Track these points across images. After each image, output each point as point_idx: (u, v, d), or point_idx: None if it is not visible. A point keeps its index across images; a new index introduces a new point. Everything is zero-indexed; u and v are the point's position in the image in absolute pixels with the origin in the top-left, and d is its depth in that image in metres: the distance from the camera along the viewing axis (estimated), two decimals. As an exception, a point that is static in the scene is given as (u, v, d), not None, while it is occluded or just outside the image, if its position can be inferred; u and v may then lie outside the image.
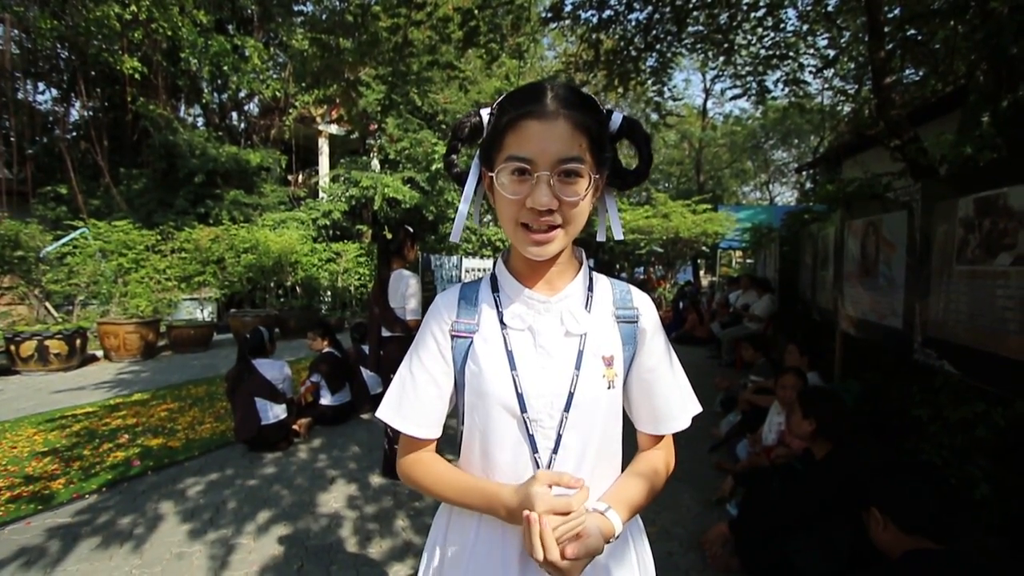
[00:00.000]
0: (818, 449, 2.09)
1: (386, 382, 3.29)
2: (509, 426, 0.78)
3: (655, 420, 0.85)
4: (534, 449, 0.77)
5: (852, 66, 7.31)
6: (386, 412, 0.84)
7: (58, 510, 2.84)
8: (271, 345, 4.09)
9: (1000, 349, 1.99)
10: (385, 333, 3.16)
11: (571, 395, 0.76)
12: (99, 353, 7.14)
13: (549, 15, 5.44)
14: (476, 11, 5.02)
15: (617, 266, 15.83)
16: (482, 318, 0.82)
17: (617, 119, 0.77)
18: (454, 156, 0.84)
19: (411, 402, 0.82)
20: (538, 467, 0.77)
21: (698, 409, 0.88)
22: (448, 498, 0.82)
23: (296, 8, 11.47)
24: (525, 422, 0.77)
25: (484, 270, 16.12)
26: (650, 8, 5.23)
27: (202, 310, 8.86)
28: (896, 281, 2.94)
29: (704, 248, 14.20)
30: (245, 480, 3.22)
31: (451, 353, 0.82)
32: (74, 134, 11.34)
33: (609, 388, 0.79)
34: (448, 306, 0.84)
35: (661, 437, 0.88)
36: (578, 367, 0.77)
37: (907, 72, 6.09)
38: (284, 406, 3.77)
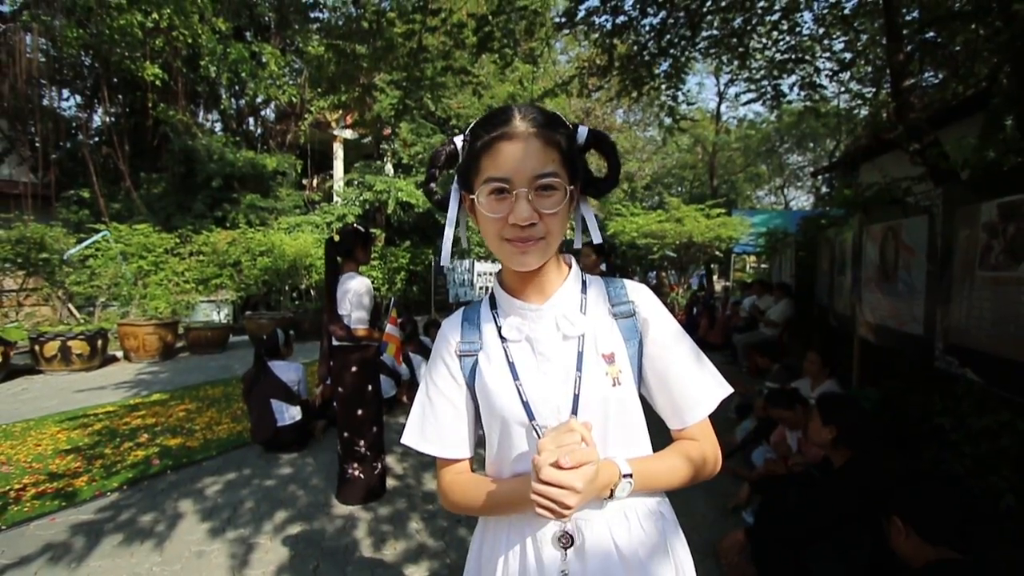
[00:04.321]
0: (837, 457, 2.07)
1: (335, 394, 3.02)
2: (520, 437, 0.80)
3: (677, 410, 0.83)
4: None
5: (869, 69, 7.22)
6: (411, 438, 0.87)
7: (81, 507, 2.91)
8: (286, 348, 4.15)
9: (1025, 357, 1.95)
10: (335, 342, 2.92)
11: (576, 397, 0.77)
12: (119, 354, 7.28)
13: (563, 20, 5.46)
14: (490, 17, 5.06)
15: (630, 270, 15.77)
16: (484, 336, 0.85)
17: (583, 132, 0.81)
18: (432, 184, 0.87)
19: (432, 425, 0.85)
20: None
21: (726, 391, 0.83)
22: (484, 507, 0.82)
23: (312, 15, 11.66)
24: (535, 430, 0.78)
25: (496, 274, 16.15)
26: (664, 13, 5.23)
27: (219, 312, 9.00)
28: (916, 287, 2.90)
29: (718, 253, 14.09)
30: (262, 480, 3.26)
31: (461, 373, 0.85)
32: (96, 139, 11.61)
33: (615, 385, 0.79)
34: (452, 329, 0.88)
35: (692, 428, 0.84)
36: (579, 368, 0.78)
37: (926, 75, 6.00)
38: (299, 408, 3.82)
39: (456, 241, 0.85)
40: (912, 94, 3.92)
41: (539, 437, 0.77)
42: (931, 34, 4.63)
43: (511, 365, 0.80)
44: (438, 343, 0.89)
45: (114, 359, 7.20)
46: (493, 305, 0.88)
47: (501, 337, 0.83)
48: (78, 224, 9.38)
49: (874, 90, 7.22)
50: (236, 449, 3.82)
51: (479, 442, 0.90)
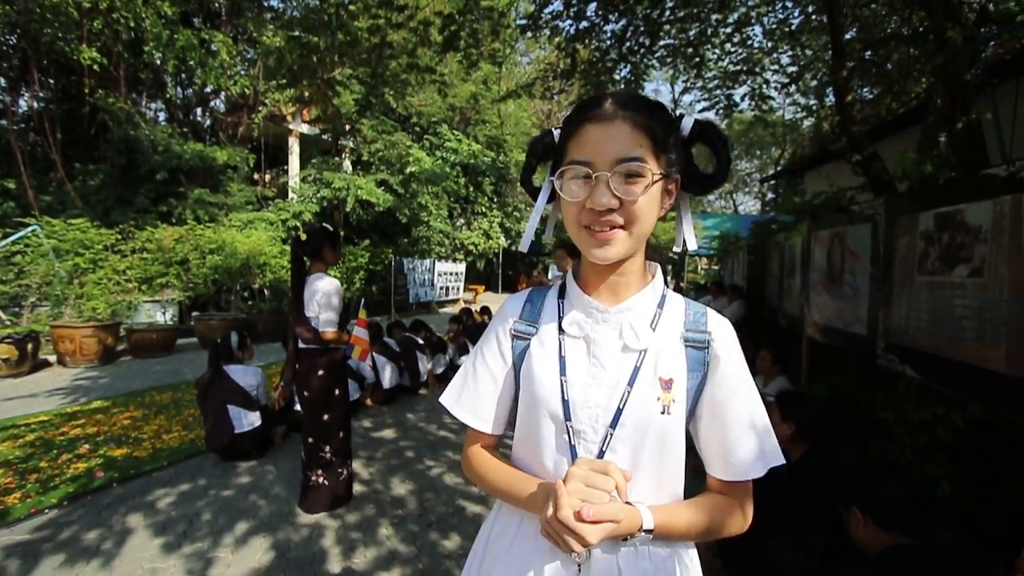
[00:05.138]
0: (795, 451, 2.19)
1: (300, 398, 2.92)
2: (551, 432, 0.77)
3: (723, 462, 0.76)
4: (573, 454, 0.76)
5: (814, 83, 7.67)
6: (448, 399, 0.88)
7: (14, 527, 2.68)
8: (241, 351, 3.96)
9: (957, 355, 2.13)
10: (302, 345, 2.82)
11: (619, 411, 0.74)
12: (52, 358, 6.75)
13: (527, 23, 5.50)
14: (457, 16, 5.03)
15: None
16: (542, 322, 0.83)
17: (688, 123, 0.75)
18: (531, 175, 0.85)
19: (470, 393, 0.85)
20: None
21: (779, 460, 0.75)
22: (498, 491, 0.83)
23: (267, 3, 11.22)
24: (568, 431, 0.75)
25: (457, 274, 16.08)
26: (624, 21, 5.37)
27: (163, 313, 8.52)
28: (860, 290, 3.10)
29: (672, 255, 14.57)
30: (219, 490, 3.12)
31: (511, 353, 0.84)
32: (23, 126, 10.72)
33: (664, 413, 0.74)
34: (514, 308, 0.87)
35: (732, 485, 0.77)
36: (631, 384, 0.74)
37: (863, 90, 6.43)
38: (258, 413, 3.67)
39: (538, 233, 0.83)
40: (854, 108, 4.21)
41: (569, 439, 0.76)
42: (868, 54, 4.98)
43: (562, 359, 0.78)
44: (497, 317, 0.88)
45: (46, 364, 6.67)
46: (562, 294, 0.84)
47: (560, 328, 0.80)
48: (3, 217, 8.63)
49: (817, 102, 7.69)
50: (189, 458, 3.63)
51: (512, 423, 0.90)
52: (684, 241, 0.79)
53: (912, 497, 1.38)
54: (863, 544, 1.44)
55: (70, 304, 7.26)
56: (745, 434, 0.75)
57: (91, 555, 2.42)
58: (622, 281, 0.78)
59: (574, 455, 0.76)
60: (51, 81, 10.48)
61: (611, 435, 0.74)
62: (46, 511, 2.84)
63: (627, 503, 0.72)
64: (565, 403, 0.76)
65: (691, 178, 0.76)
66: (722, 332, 0.79)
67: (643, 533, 0.71)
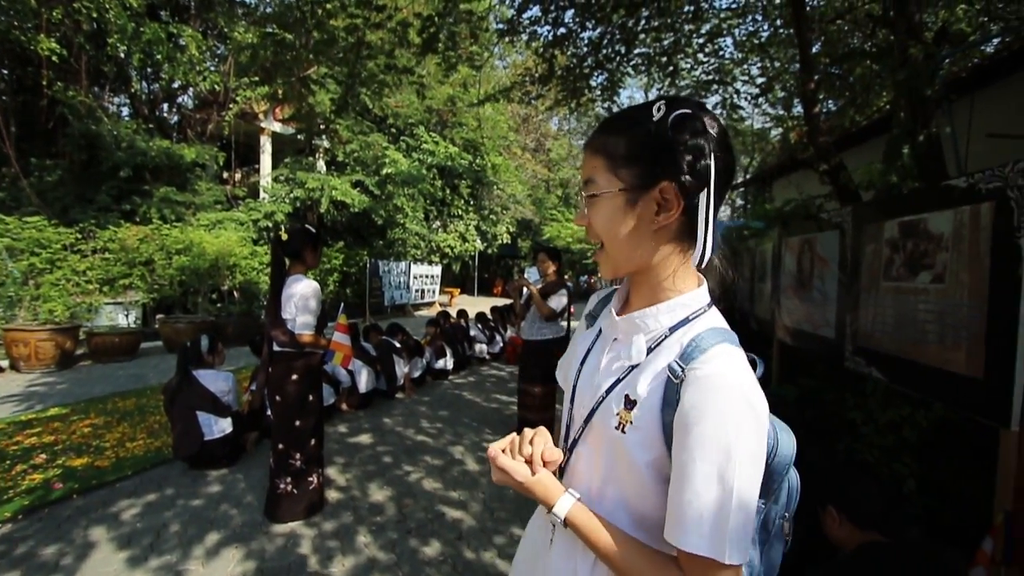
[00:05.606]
0: (769, 452, 2.24)
1: (271, 403, 2.84)
2: (564, 407, 0.88)
3: (668, 518, 0.64)
4: (566, 437, 0.84)
5: (782, 94, 7.95)
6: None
7: (-35, 542, 2.53)
8: (211, 355, 3.84)
9: (921, 357, 2.23)
10: (277, 348, 2.76)
11: (592, 412, 0.78)
12: (5, 363, 6.40)
13: (506, 27, 5.53)
14: (436, 18, 5.01)
15: (565, 275, 16.16)
16: (601, 315, 0.91)
17: (671, 119, 0.66)
18: None
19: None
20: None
21: (721, 556, 0.59)
22: None
23: (238, -1, 10.96)
24: (570, 408, 0.84)
25: (433, 277, 15.97)
26: (601, 29, 5.45)
27: (126, 315, 8.19)
28: (829, 295, 3.21)
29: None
30: (188, 500, 3.01)
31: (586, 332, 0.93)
32: (-26, 118, 10.15)
33: (619, 429, 0.71)
34: (596, 297, 0.96)
35: (680, 552, 0.63)
36: (608, 392, 0.76)
37: (828, 102, 6.69)
38: (230, 420, 3.56)
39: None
40: (820, 119, 4.36)
41: (568, 417, 0.85)
42: (833, 68, 5.18)
43: (588, 350, 0.85)
44: (590, 301, 0.98)
45: (-2, 369, 6.34)
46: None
47: (600, 327, 0.87)
48: (-50, 214, 8.15)
49: (784, 113, 7.95)
50: (155, 467, 3.49)
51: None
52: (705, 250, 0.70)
53: (886, 495, 1.44)
54: (839, 543, 1.49)
55: (24, 306, 6.91)
56: (692, 499, 0.61)
57: (49, 571, 2.30)
58: (638, 292, 0.79)
59: (568, 432, 0.84)
60: (5, 72, 9.98)
61: (584, 428, 0.80)
62: (-1, 525, 2.69)
63: (573, 494, 0.74)
64: (573, 387, 0.85)
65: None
66: (702, 374, 0.64)
67: (554, 515, 0.74)
